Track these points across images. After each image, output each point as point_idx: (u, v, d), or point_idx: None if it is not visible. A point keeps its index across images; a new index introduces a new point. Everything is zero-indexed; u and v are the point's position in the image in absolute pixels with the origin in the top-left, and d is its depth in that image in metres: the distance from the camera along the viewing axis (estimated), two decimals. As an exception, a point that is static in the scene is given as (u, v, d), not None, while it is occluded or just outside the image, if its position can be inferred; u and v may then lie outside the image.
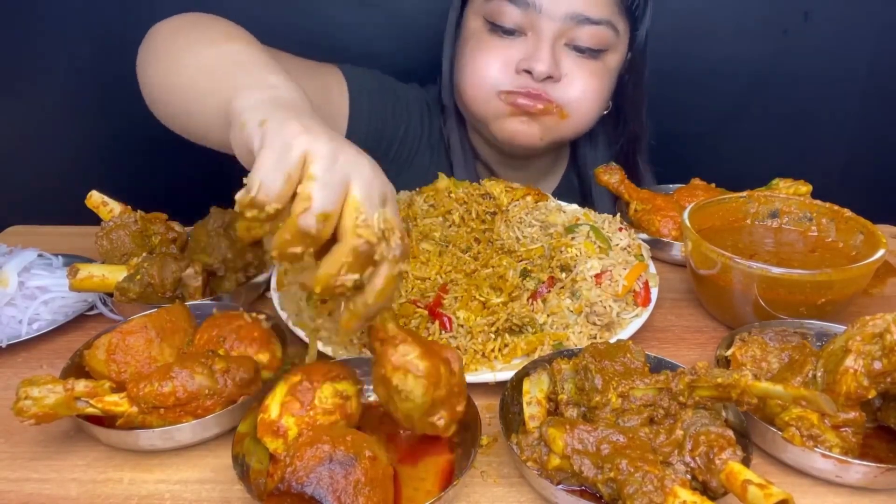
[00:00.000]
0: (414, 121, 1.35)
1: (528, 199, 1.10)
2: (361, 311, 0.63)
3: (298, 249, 0.59)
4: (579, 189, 1.47)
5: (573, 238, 1.01)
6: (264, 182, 0.59)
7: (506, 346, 0.88)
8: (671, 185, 1.34)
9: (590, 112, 1.24)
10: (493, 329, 0.88)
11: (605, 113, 1.35)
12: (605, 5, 1.17)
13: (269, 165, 0.60)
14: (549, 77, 1.17)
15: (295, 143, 0.61)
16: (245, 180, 0.61)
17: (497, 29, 1.19)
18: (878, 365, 0.69)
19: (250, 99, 0.71)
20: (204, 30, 0.99)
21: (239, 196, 0.60)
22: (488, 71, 1.19)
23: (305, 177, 0.60)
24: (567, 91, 1.19)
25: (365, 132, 1.25)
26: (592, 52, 1.19)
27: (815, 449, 0.69)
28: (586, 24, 1.16)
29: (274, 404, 0.69)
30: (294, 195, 0.60)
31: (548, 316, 0.91)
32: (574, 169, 1.48)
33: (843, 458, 0.68)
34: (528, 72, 1.16)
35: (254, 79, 0.78)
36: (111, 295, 0.96)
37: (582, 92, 1.20)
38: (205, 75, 0.86)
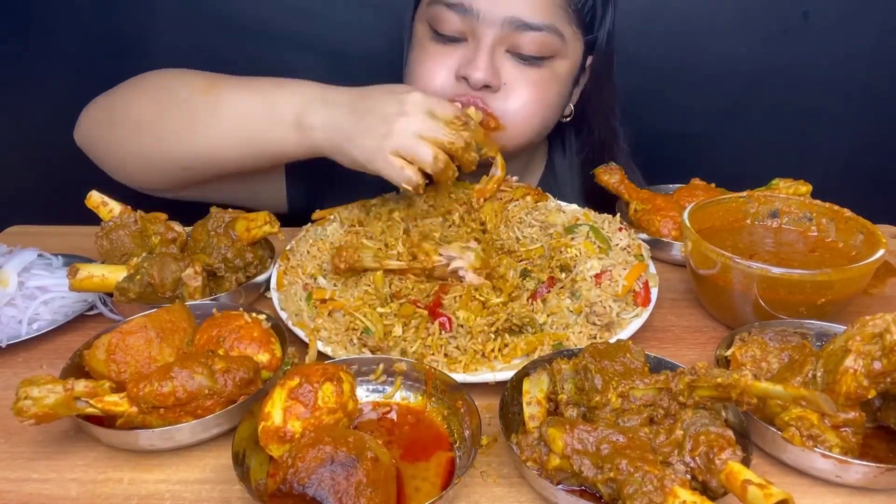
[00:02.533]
0: None
1: (528, 199, 1.10)
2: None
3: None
4: (557, 194, 1.44)
5: (573, 238, 1.01)
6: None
7: (506, 346, 0.88)
8: (671, 185, 1.34)
9: (529, 123, 1.20)
10: (493, 329, 0.88)
11: (566, 120, 1.32)
12: (547, 10, 1.12)
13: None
14: (488, 86, 1.13)
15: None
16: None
17: (439, 36, 1.16)
18: (877, 365, 0.69)
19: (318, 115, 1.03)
20: (188, 97, 1.11)
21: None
22: (431, 80, 1.17)
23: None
24: (506, 101, 1.15)
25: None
26: (535, 60, 1.15)
27: (815, 449, 0.69)
28: (527, 30, 1.11)
29: (276, 411, 0.68)
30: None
31: (548, 316, 0.91)
32: (551, 175, 1.45)
33: (843, 458, 0.68)
34: (466, 78, 1.13)
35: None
36: (111, 295, 0.96)
37: (521, 103, 1.16)
38: (238, 123, 1.07)
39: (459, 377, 0.81)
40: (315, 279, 1.00)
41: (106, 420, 0.74)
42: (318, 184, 1.34)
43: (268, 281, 1.05)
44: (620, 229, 1.07)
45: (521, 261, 0.99)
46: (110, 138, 1.14)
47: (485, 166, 1.10)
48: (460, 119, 0.99)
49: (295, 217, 1.32)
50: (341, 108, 1.02)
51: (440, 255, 0.95)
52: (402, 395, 0.82)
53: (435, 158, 0.96)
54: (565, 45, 1.17)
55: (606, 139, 1.40)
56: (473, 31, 1.13)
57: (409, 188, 0.97)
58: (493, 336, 0.88)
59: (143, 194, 1.22)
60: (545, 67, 1.17)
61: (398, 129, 0.95)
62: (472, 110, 1.09)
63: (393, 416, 0.80)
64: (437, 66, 1.16)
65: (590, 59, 1.28)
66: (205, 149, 1.10)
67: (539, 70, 1.17)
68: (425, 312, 0.90)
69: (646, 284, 0.98)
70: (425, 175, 0.98)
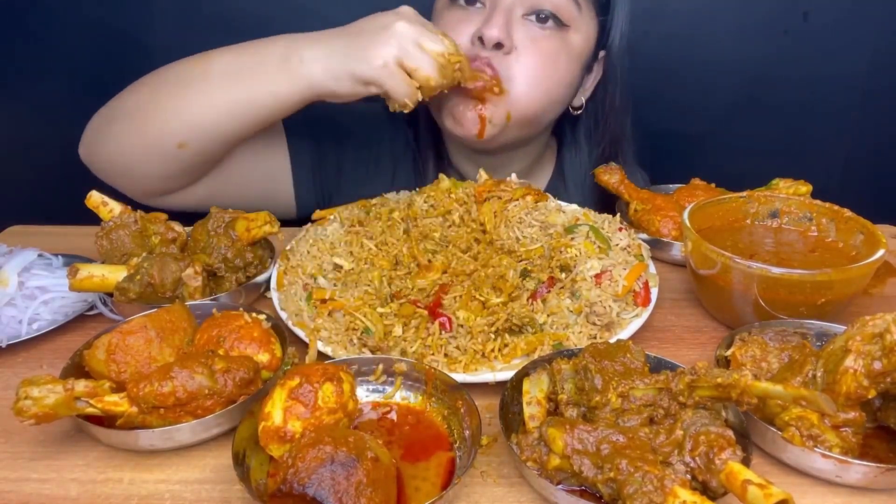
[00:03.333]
0: (365, 137, 1.40)
1: (528, 199, 1.10)
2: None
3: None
4: (565, 194, 1.44)
5: (573, 238, 1.01)
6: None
7: (506, 346, 0.88)
8: (671, 185, 1.34)
9: (536, 91, 1.20)
10: (493, 329, 0.88)
11: (577, 112, 1.34)
12: None
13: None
14: (500, 45, 1.15)
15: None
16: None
17: (457, 1, 1.21)
18: (877, 365, 0.69)
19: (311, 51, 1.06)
20: (178, 74, 1.13)
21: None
22: None
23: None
24: (515, 65, 1.18)
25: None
26: (555, 21, 1.18)
27: (815, 449, 0.69)
28: None
29: (276, 411, 0.68)
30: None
31: (548, 316, 0.91)
32: (560, 175, 1.46)
33: (843, 458, 0.68)
34: (481, 39, 1.16)
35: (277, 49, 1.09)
36: (111, 295, 0.96)
37: (530, 68, 1.18)
38: (229, 82, 1.08)
39: (459, 377, 0.81)
40: (315, 279, 1.00)
41: (106, 420, 0.74)
42: (325, 185, 1.35)
43: (268, 281, 1.05)
44: (620, 229, 1.07)
45: (521, 261, 0.99)
46: (109, 137, 1.14)
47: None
48: (452, 55, 1.06)
49: (302, 220, 1.33)
50: (330, 36, 1.07)
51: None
52: (402, 395, 0.82)
53: (435, 71, 1.04)
54: (581, 16, 1.21)
55: (619, 137, 1.42)
56: None
57: (409, 103, 1.04)
58: (493, 336, 0.88)
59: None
60: (558, 38, 1.20)
61: (399, 33, 1.02)
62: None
63: (393, 416, 0.80)
64: (455, 32, 1.18)
65: (602, 53, 1.29)
66: (199, 115, 1.08)
67: (551, 40, 1.19)
68: (425, 312, 0.90)
69: (646, 284, 0.98)
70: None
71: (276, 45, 1.08)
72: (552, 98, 1.25)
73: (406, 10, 1.07)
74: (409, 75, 1.04)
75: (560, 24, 1.19)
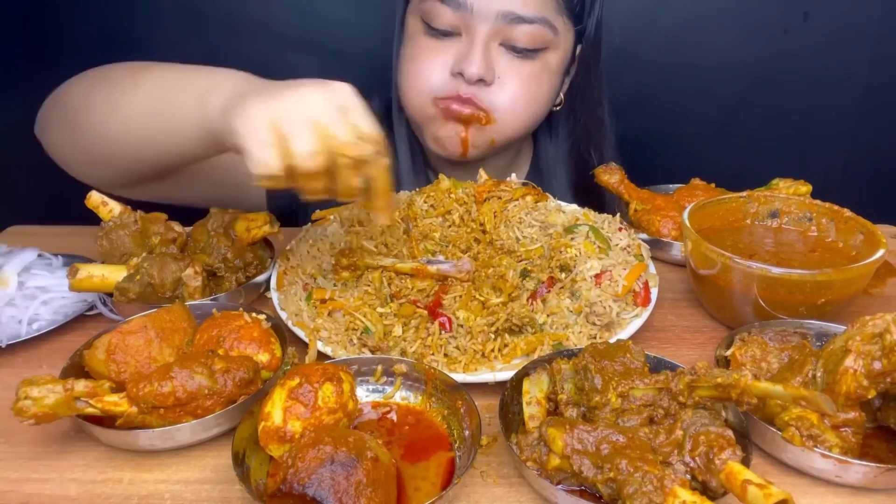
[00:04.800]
0: None
1: (528, 199, 1.10)
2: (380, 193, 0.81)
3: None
4: (542, 187, 1.44)
5: (573, 238, 1.01)
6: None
7: (506, 346, 0.88)
8: (671, 185, 1.34)
9: (520, 118, 1.21)
10: (493, 329, 0.88)
11: (557, 108, 1.32)
12: (540, 3, 1.13)
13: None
14: (482, 80, 1.14)
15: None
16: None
17: (432, 31, 1.16)
18: (877, 365, 0.69)
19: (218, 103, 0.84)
20: (115, 77, 1.05)
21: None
22: (425, 76, 1.17)
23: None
24: (498, 95, 1.16)
25: None
26: (528, 52, 1.16)
27: (815, 449, 0.69)
28: (520, 24, 1.12)
29: (276, 411, 0.68)
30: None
31: (547, 316, 0.91)
32: (536, 171, 1.44)
33: (843, 458, 0.68)
34: (462, 74, 1.14)
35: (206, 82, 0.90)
36: (111, 295, 0.96)
37: (513, 97, 1.17)
38: (155, 102, 0.96)
39: (459, 377, 0.81)
40: (315, 279, 1.00)
41: (106, 420, 0.74)
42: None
43: (268, 281, 1.05)
44: (620, 229, 1.07)
45: (521, 261, 0.99)
46: (49, 132, 1.10)
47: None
48: (373, 144, 0.77)
49: (283, 219, 1.31)
50: (254, 83, 0.86)
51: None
52: (402, 396, 0.82)
53: (312, 154, 0.73)
54: (557, 36, 1.18)
55: (592, 128, 1.40)
56: (467, 25, 1.13)
57: (261, 173, 0.74)
58: (493, 336, 0.88)
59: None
60: (538, 60, 1.18)
61: (293, 97, 0.76)
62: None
63: (393, 416, 0.80)
64: (432, 62, 1.17)
65: (579, 49, 1.28)
66: (118, 131, 0.99)
67: (532, 63, 1.18)
68: (425, 312, 0.90)
69: (646, 284, 0.98)
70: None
71: (205, 77, 0.91)
72: (536, 117, 1.26)
73: (337, 87, 0.79)
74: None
75: (537, 50, 1.17)
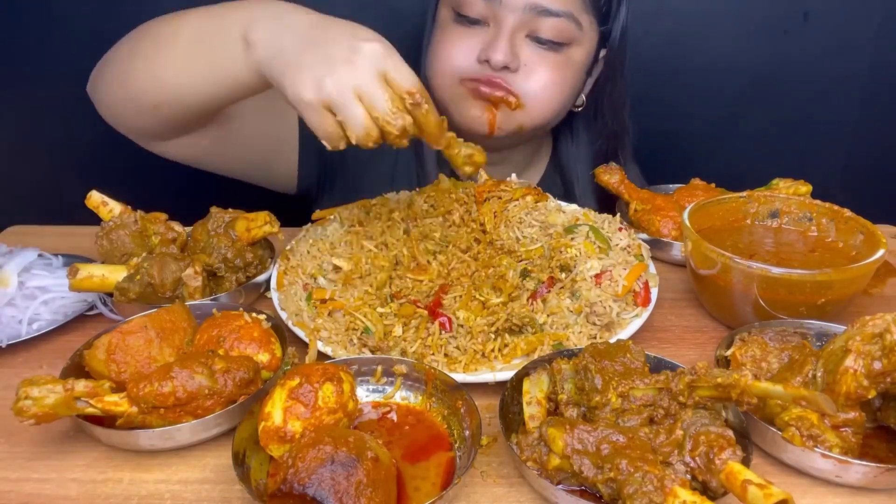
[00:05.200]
0: None
1: (528, 199, 1.10)
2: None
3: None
4: (562, 186, 1.46)
5: (573, 238, 1.01)
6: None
7: (506, 346, 0.88)
8: (671, 185, 1.34)
9: (548, 104, 1.25)
10: (493, 329, 0.88)
11: (578, 109, 1.36)
12: None
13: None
14: (506, 67, 1.18)
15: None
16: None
17: (462, 19, 1.22)
18: (878, 365, 0.69)
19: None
20: (158, 28, 1.08)
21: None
22: (452, 59, 1.22)
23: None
24: (526, 82, 1.21)
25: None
26: (553, 45, 1.21)
27: (815, 449, 0.69)
28: (546, 16, 1.17)
29: (276, 411, 0.68)
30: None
31: (548, 316, 0.91)
32: (556, 167, 1.48)
33: (843, 458, 0.68)
34: (488, 61, 1.18)
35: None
36: (111, 295, 0.96)
37: (541, 84, 1.22)
38: (196, 44, 1.00)
39: (459, 377, 0.81)
40: (315, 279, 1.00)
41: (106, 420, 0.74)
42: (328, 165, 1.35)
43: (268, 281, 1.05)
44: (620, 229, 1.07)
45: (521, 261, 0.99)
46: (101, 85, 1.13)
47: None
48: (413, 95, 0.84)
49: (301, 202, 1.32)
50: (291, 30, 0.91)
51: None
52: (402, 396, 0.82)
53: (365, 130, 0.83)
54: (582, 33, 1.23)
55: (619, 131, 1.44)
56: (495, 15, 1.19)
57: (326, 144, 0.87)
58: (493, 336, 0.88)
59: (143, 195, 1.22)
60: (562, 53, 1.22)
61: (337, 77, 0.82)
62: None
63: (393, 416, 0.80)
64: (459, 47, 1.22)
65: (603, 52, 1.32)
66: (167, 79, 1.03)
67: (556, 55, 1.22)
68: (425, 312, 0.90)
69: (646, 284, 0.98)
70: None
71: (241, 18, 0.95)
72: (561, 108, 1.29)
73: (371, 48, 0.85)
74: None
75: (562, 44, 1.22)
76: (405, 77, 0.84)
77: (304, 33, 0.89)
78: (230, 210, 1.07)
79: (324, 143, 0.87)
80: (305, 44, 0.87)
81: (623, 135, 1.45)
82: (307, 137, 1.31)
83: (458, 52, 1.22)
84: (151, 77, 1.05)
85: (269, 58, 0.90)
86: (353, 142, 0.85)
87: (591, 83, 1.36)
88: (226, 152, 1.23)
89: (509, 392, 0.77)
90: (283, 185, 1.23)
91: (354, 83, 0.82)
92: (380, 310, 0.91)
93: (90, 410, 0.71)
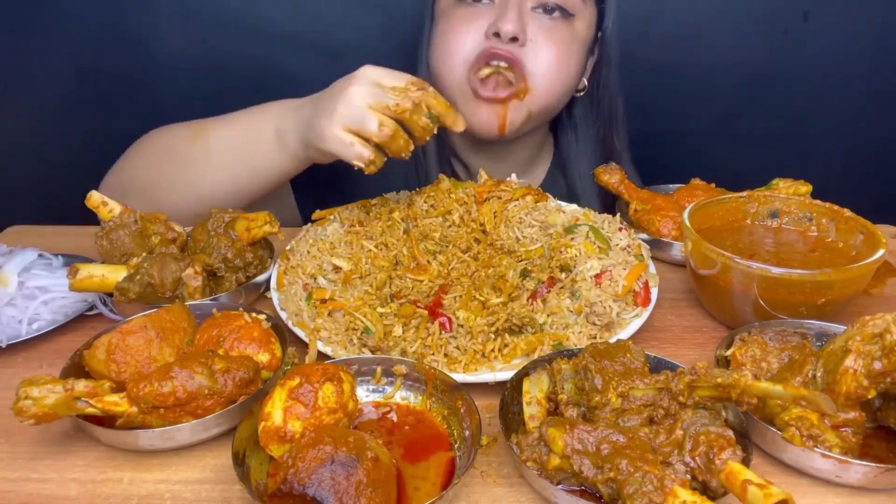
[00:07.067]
0: None
1: (528, 199, 1.10)
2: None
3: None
4: (565, 186, 1.47)
5: (573, 238, 1.01)
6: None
7: (506, 346, 0.88)
8: (671, 185, 1.34)
9: (554, 84, 1.26)
10: (493, 329, 0.88)
11: (580, 94, 1.38)
12: None
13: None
14: (515, 39, 1.19)
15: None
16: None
17: (465, 0, 1.23)
18: (878, 365, 0.69)
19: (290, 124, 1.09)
20: (179, 149, 1.19)
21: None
22: (460, 43, 1.23)
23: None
24: (534, 61, 1.22)
25: None
26: (561, 13, 1.23)
27: (815, 449, 0.69)
28: None
29: (276, 411, 0.68)
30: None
31: (548, 316, 0.91)
32: (558, 166, 1.48)
33: (843, 458, 0.68)
34: (497, 34, 1.19)
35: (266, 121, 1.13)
36: (111, 295, 0.96)
37: (547, 62, 1.23)
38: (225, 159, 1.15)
39: (459, 377, 0.81)
40: (315, 279, 1.00)
41: (106, 420, 0.74)
42: (323, 193, 1.37)
43: (268, 281, 1.05)
44: (620, 229, 1.07)
45: (521, 261, 0.99)
46: (121, 198, 1.14)
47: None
48: (414, 85, 0.97)
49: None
50: (305, 106, 1.07)
51: None
52: (402, 396, 0.82)
53: (380, 126, 0.95)
54: (584, 5, 1.27)
55: (615, 116, 1.45)
56: None
57: (362, 165, 0.97)
58: (493, 336, 0.88)
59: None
60: (566, 27, 1.25)
61: (345, 100, 0.96)
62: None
63: (393, 416, 0.80)
64: (466, 28, 1.23)
65: (599, 35, 1.35)
66: (206, 191, 1.15)
67: (562, 30, 1.24)
68: (425, 312, 0.90)
69: (646, 284, 0.98)
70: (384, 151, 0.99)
71: (268, 121, 1.12)
72: (567, 87, 1.31)
73: (364, 71, 0.99)
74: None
75: (567, 14, 1.24)
76: (400, 77, 0.97)
77: (315, 99, 1.05)
78: (230, 210, 1.07)
79: (359, 165, 0.97)
80: (316, 103, 1.03)
81: (618, 122, 1.46)
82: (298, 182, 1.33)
83: (465, 34, 1.23)
84: (186, 195, 1.15)
85: (300, 136, 1.06)
86: (377, 140, 0.95)
87: (593, 64, 1.38)
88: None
89: (509, 392, 0.77)
90: (288, 222, 1.24)
91: (359, 97, 0.95)
92: (380, 310, 0.91)
93: (90, 410, 0.71)
